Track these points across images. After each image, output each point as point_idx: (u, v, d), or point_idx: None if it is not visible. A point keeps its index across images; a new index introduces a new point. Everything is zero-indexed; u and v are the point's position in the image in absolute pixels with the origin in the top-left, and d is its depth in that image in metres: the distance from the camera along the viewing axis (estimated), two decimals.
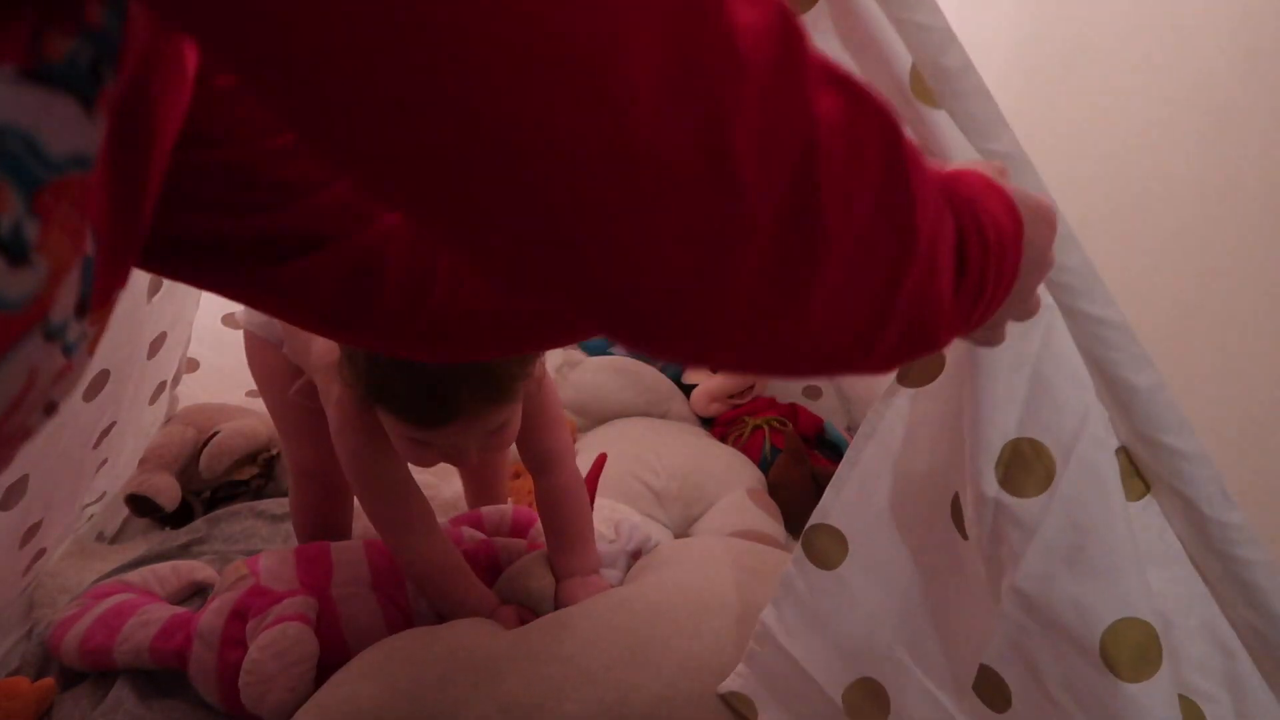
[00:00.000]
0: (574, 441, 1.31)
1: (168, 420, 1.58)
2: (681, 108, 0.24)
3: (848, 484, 0.78)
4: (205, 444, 1.51)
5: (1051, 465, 0.61)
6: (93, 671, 1.06)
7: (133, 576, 1.19)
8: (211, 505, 1.51)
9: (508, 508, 1.26)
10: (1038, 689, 0.64)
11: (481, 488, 1.32)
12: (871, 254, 0.31)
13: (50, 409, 0.30)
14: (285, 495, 1.44)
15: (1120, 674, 0.58)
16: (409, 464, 0.99)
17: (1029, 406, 0.62)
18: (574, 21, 0.21)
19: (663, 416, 1.75)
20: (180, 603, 1.18)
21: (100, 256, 0.29)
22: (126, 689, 1.02)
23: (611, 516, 1.21)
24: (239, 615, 1.02)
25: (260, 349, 1.14)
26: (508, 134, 0.22)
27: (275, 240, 0.48)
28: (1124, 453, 0.64)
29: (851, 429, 1.76)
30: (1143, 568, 0.60)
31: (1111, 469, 0.61)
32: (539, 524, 1.12)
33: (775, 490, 1.47)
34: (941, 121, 0.61)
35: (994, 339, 0.50)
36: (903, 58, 0.60)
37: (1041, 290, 0.61)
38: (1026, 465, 0.62)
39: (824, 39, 0.63)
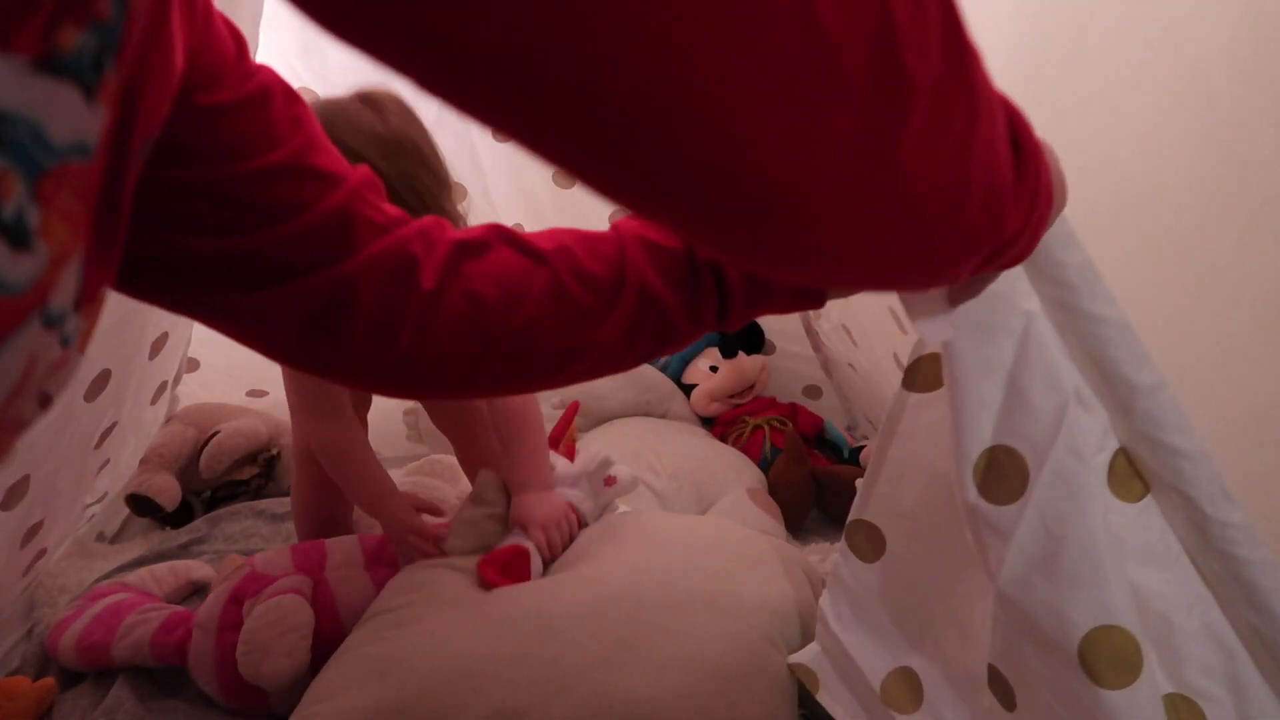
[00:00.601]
0: (574, 442, 1.31)
1: (168, 420, 1.58)
2: None
3: (879, 480, 0.79)
4: (205, 444, 1.51)
5: (1025, 472, 0.61)
6: (91, 671, 1.06)
7: (131, 577, 1.19)
8: (212, 505, 1.51)
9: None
10: (1034, 691, 0.64)
11: (469, 452, 1.32)
12: (945, 105, 0.31)
13: (45, 401, 0.30)
14: (285, 495, 1.44)
15: (1100, 681, 0.58)
16: None
17: (1004, 414, 0.62)
18: None
19: (663, 416, 1.76)
20: (179, 602, 1.18)
21: (89, 250, 0.30)
22: (126, 689, 1.02)
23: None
24: (236, 600, 1.03)
25: None
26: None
27: (247, 265, 0.47)
28: (1124, 454, 0.64)
29: (851, 429, 1.76)
30: (1124, 575, 0.60)
31: (1089, 477, 0.61)
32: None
33: (775, 490, 1.47)
34: None
35: (975, 291, 0.50)
36: None
37: (1026, 293, 0.61)
38: (1002, 472, 0.62)
39: None
